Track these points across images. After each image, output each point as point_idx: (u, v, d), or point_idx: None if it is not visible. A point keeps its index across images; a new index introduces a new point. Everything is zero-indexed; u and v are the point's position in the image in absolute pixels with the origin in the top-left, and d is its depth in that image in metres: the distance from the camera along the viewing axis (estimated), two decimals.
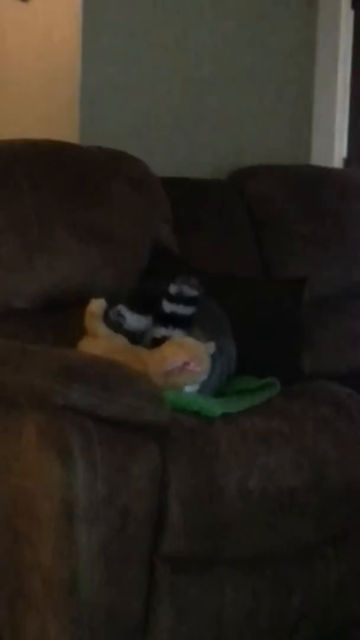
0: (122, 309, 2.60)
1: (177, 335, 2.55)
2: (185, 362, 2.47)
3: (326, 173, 3.59)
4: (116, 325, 2.58)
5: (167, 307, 2.58)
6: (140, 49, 3.40)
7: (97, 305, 2.61)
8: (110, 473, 2.16)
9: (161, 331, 2.57)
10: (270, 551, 2.42)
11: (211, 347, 2.52)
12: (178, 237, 3.09)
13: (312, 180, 3.48)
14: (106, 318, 2.59)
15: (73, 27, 3.32)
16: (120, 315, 2.60)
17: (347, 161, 3.87)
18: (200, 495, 2.28)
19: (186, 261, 3.04)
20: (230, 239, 3.25)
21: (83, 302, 2.61)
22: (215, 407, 2.42)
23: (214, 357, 2.54)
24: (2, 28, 3.68)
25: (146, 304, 2.62)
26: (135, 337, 2.58)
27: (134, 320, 2.60)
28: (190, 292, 2.58)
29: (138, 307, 2.61)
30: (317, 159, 3.77)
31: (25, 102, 3.56)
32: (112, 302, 2.63)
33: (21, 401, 2.25)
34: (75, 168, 2.97)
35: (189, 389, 2.50)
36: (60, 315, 2.73)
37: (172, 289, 2.58)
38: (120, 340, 2.59)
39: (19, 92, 3.60)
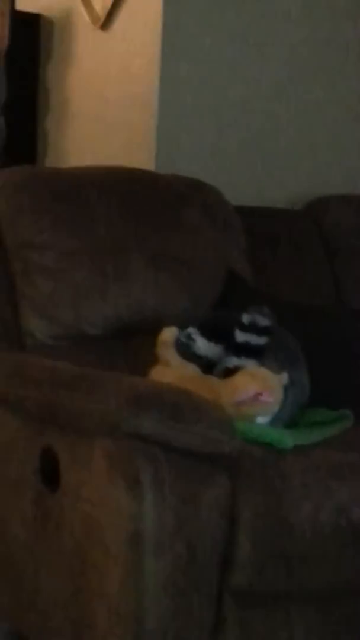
0: (192, 332, 2.59)
1: (249, 365, 2.52)
2: (258, 392, 2.44)
3: None
4: (185, 348, 2.57)
5: (240, 336, 2.55)
6: (217, 78, 3.40)
7: (169, 333, 2.60)
8: (179, 504, 2.14)
9: (233, 361, 2.55)
10: (344, 588, 2.37)
11: (284, 377, 2.49)
12: (252, 265, 3.07)
13: None
14: (177, 343, 2.58)
15: (152, 56, 3.33)
16: (190, 338, 2.58)
17: None
18: (270, 528, 2.24)
19: (260, 290, 3.02)
20: (305, 269, 3.23)
21: (156, 329, 2.60)
22: (287, 439, 2.39)
23: (286, 388, 2.50)
24: (81, 55, 3.72)
25: (218, 332, 2.60)
26: (203, 362, 2.56)
27: (204, 344, 2.59)
28: (263, 321, 2.55)
29: (210, 334, 2.60)
30: None
31: (102, 129, 3.58)
32: (184, 331, 2.61)
33: (91, 428, 2.23)
34: (151, 195, 2.98)
35: (261, 419, 2.47)
36: (133, 342, 2.73)
37: (245, 318, 2.55)
38: (192, 370, 2.57)
39: (96, 119, 3.62)
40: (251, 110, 3.46)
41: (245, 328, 2.55)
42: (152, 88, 3.34)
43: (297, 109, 3.54)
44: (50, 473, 2.34)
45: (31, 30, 3.89)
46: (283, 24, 3.48)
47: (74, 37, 3.76)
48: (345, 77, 3.61)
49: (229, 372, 2.52)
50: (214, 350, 2.59)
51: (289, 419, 2.56)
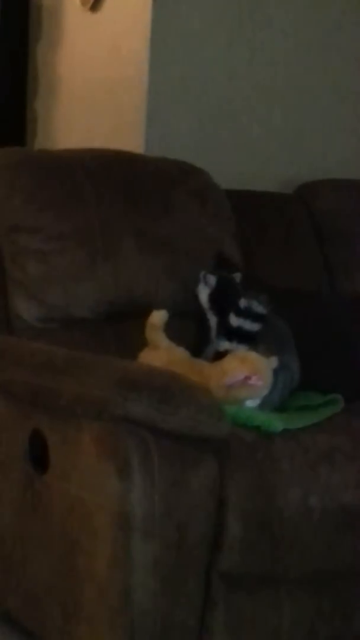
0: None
1: (240, 350, 2.52)
2: (247, 376, 2.44)
3: None
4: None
5: (234, 321, 2.55)
6: (207, 61, 3.39)
7: (158, 316, 2.59)
8: (168, 486, 2.14)
9: (225, 345, 2.55)
10: (331, 571, 2.38)
11: (274, 362, 2.49)
12: (242, 249, 3.06)
13: None
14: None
15: (141, 38, 3.32)
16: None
17: None
18: (260, 511, 2.24)
19: (250, 274, 3.01)
20: (296, 253, 3.22)
21: (145, 312, 2.60)
22: (277, 423, 2.39)
23: (276, 372, 2.50)
24: (70, 37, 3.71)
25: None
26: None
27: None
28: (259, 308, 2.56)
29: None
30: None
31: (92, 111, 3.57)
32: (174, 314, 2.61)
33: (80, 411, 2.23)
34: (140, 178, 2.97)
35: (250, 403, 2.47)
36: (122, 325, 2.72)
37: (242, 303, 2.56)
38: (181, 353, 2.57)
39: (86, 101, 3.61)
40: (242, 93, 3.45)
41: (240, 313, 2.55)
42: (141, 70, 3.32)
43: (288, 92, 3.53)
44: (39, 456, 2.34)
45: (21, 12, 3.87)
46: (275, 8, 3.46)
47: (63, 19, 3.74)
48: (336, 62, 3.60)
49: (219, 356, 2.52)
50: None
51: (279, 403, 2.56)
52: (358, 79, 3.66)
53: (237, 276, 2.65)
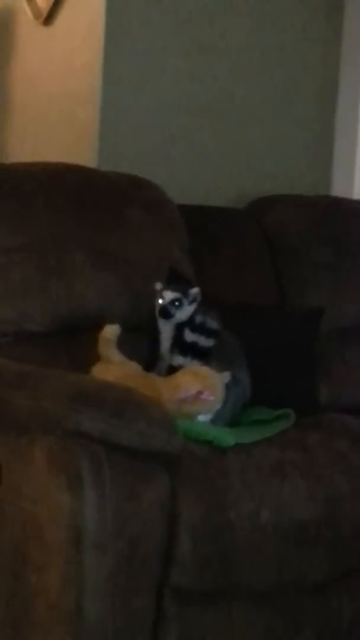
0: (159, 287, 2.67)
1: (193, 365, 2.52)
2: (199, 390, 2.44)
3: (346, 203, 3.57)
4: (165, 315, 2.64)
5: (189, 336, 2.57)
6: (160, 76, 3.39)
7: (111, 330, 2.60)
8: (119, 501, 2.14)
9: (179, 360, 2.56)
10: (283, 585, 2.38)
11: (226, 376, 2.49)
12: (194, 264, 3.07)
13: (331, 211, 3.46)
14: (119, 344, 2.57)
15: (94, 52, 3.32)
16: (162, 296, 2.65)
17: None
18: (211, 526, 2.25)
19: (202, 289, 3.01)
20: (248, 268, 3.23)
21: (98, 326, 2.60)
22: (228, 438, 2.40)
23: (228, 387, 2.51)
24: (23, 51, 3.70)
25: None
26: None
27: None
28: (213, 324, 2.58)
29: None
30: (338, 190, 3.74)
31: (45, 124, 3.56)
32: (126, 328, 2.61)
33: (33, 425, 2.22)
34: (93, 192, 2.97)
35: (202, 418, 2.47)
36: (75, 339, 2.72)
37: (198, 319, 2.57)
38: (134, 367, 2.58)
39: (38, 115, 3.60)
40: (195, 108, 3.46)
41: (195, 328, 2.57)
42: (94, 85, 3.32)
43: (240, 109, 3.54)
44: None
45: None
46: (227, 24, 3.48)
47: (16, 32, 3.74)
48: (288, 78, 3.63)
49: (172, 370, 2.53)
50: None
51: (231, 417, 2.57)
52: (310, 96, 3.69)
53: (195, 291, 2.65)
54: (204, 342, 2.57)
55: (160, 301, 2.65)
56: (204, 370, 2.50)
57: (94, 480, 2.12)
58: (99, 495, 2.11)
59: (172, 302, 2.63)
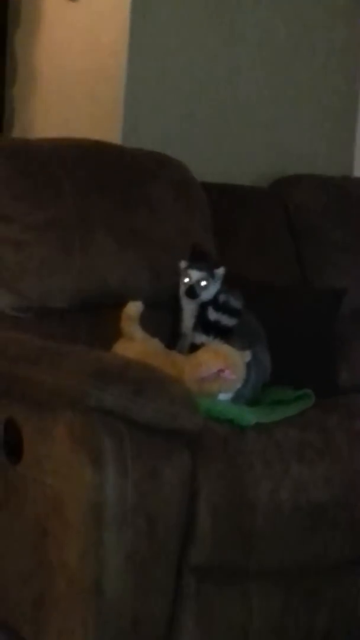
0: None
1: (215, 343, 2.53)
2: (221, 369, 2.45)
3: None
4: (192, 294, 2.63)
5: (212, 315, 2.57)
6: (186, 52, 3.38)
7: (133, 307, 2.60)
8: (140, 477, 2.15)
9: (201, 338, 2.56)
10: (300, 565, 2.40)
11: (247, 355, 2.50)
12: (216, 242, 3.07)
13: (354, 191, 3.45)
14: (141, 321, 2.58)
15: (120, 28, 3.31)
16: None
17: None
18: (231, 504, 2.26)
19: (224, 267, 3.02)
20: (269, 247, 3.23)
21: (120, 303, 2.60)
22: (249, 417, 2.40)
23: (249, 366, 2.52)
24: (49, 27, 3.69)
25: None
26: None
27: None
28: (235, 303, 2.58)
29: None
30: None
31: (69, 100, 3.56)
32: (149, 305, 2.61)
33: (54, 401, 2.24)
34: (117, 169, 2.96)
35: (223, 396, 2.48)
36: (98, 316, 2.72)
37: (221, 298, 2.58)
38: (156, 344, 2.58)
39: (64, 92, 3.60)
40: (220, 85, 3.45)
41: (218, 307, 2.57)
42: (119, 60, 3.32)
43: (264, 88, 3.53)
44: (12, 445, 2.34)
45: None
46: (254, 2, 3.47)
47: (42, 8, 3.73)
48: (313, 57, 3.61)
49: (194, 349, 2.53)
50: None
51: (251, 397, 2.57)
52: (333, 77, 3.67)
53: (221, 271, 2.65)
54: (227, 321, 2.57)
55: (186, 280, 2.65)
56: (226, 348, 2.51)
57: (116, 456, 2.13)
58: (120, 471, 2.13)
59: (199, 281, 2.63)
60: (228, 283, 2.66)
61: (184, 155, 3.15)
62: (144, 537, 2.16)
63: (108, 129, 3.33)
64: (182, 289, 2.66)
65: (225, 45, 3.45)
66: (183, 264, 2.68)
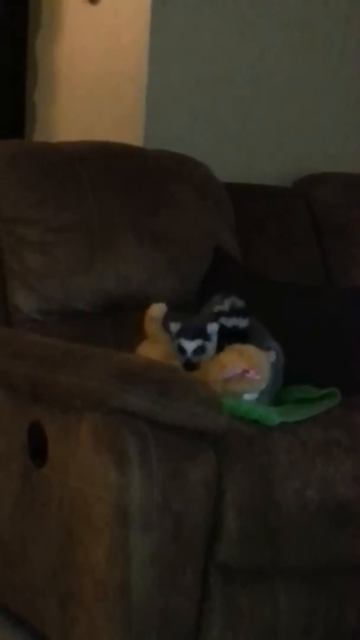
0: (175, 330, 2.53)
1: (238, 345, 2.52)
2: (245, 369, 2.44)
3: None
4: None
5: (228, 322, 2.56)
6: (207, 53, 3.39)
7: (157, 309, 2.60)
8: (165, 478, 2.15)
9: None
10: (327, 564, 2.39)
11: (272, 356, 2.49)
12: (240, 243, 3.07)
13: None
14: (165, 322, 2.57)
15: (141, 30, 3.32)
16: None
17: None
18: (257, 504, 2.25)
19: (248, 268, 3.02)
20: (294, 247, 3.23)
21: (143, 305, 2.60)
22: (274, 416, 2.40)
23: (274, 366, 2.51)
24: (70, 29, 3.70)
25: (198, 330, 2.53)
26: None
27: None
28: (239, 303, 2.57)
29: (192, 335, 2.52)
30: None
31: (91, 103, 3.57)
32: (172, 306, 2.61)
33: (79, 403, 2.24)
34: (139, 171, 2.97)
35: (248, 397, 2.47)
36: (121, 317, 2.73)
37: (226, 305, 2.57)
38: None
39: (85, 93, 3.61)
40: (241, 86, 3.45)
41: (229, 313, 2.56)
42: (141, 63, 3.32)
43: (287, 86, 3.53)
44: (37, 448, 2.35)
45: (21, 3, 3.86)
46: (277, 3, 3.46)
47: (63, 10, 3.74)
48: (337, 54, 3.60)
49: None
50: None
51: (274, 392, 2.57)
52: (358, 73, 3.66)
53: (214, 327, 2.52)
54: (242, 322, 2.55)
55: (180, 355, 2.50)
56: (250, 349, 2.50)
57: (140, 458, 2.13)
58: (145, 473, 2.13)
59: (195, 352, 2.50)
60: (253, 283, 2.65)
61: (206, 156, 3.16)
62: (170, 537, 2.16)
63: (130, 130, 3.34)
64: (179, 358, 2.51)
65: (247, 45, 3.45)
66: (173, 328, 2.51)
